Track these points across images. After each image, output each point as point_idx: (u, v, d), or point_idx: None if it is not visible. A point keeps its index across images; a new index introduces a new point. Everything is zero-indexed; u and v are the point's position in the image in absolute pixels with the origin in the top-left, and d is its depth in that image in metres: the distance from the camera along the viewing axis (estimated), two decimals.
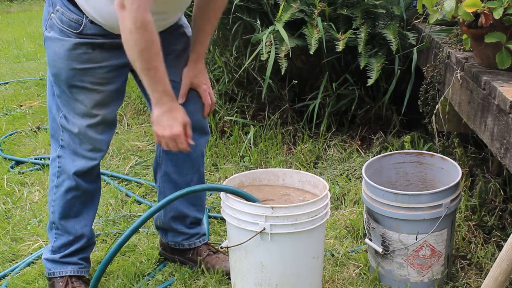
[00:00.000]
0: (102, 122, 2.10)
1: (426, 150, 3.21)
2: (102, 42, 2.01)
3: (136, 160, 3.57)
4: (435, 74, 2.81)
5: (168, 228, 2.44)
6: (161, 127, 2.00)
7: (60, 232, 2.24)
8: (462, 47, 2.60)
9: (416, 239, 2.15)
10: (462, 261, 2.38)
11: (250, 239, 2.00)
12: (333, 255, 2.48)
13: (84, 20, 1.99)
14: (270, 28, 3.24)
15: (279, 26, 3.17)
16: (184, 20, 2.27)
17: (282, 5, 3.22)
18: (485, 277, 1.70)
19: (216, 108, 3.76)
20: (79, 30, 2.00)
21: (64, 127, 2.12)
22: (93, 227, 2.74)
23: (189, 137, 2.05)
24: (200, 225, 2.47)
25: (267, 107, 3.68)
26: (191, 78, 2.20)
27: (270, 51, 3.19)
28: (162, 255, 2.51)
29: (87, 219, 2.26)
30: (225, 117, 3.70)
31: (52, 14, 2.03)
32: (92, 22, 2.00)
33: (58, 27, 2.01)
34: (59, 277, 2.25)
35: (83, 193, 2.20)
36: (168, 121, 1.99)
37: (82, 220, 2.24)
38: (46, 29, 2.07)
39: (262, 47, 3.21)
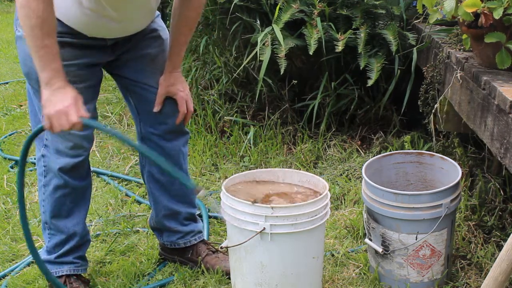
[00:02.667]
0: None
1: (426, 150, 3.21)
2: (71, 41, 2.01)
3: (136, 160, 3.57)
4: (435, 74, 2.81)
5: (162, 228, 2.44)
6: (52, 105, 1.84)
7: (53, 231, 2.24)
8: (462, 47, 2.60)
9: (416, 239, 2.15)
10: (462, 261, 2.38)
11: (250, 239, 2.00)
12: (333, 255, 2.48)
13: None
14: (268, 29, 3.24)
15: (276, 28, 3.17)
16: (160, 23, 2.26)
17: (279, 6, 3.22)
18: (485, 277, 1.70)
19: (216, 108, 3.76)
20: None
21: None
22: (93, 227, 2.76)
23: (80, 112, 1.86)
24: (195, 222, 2.47)
25: (267, 107, 3.68)
26: (166, 87, 2.21)
27: (266, 53, 3.19)
28: (162, 256, 2.51)
29: (79, 217, 2.25)
30: (225, 117, 3.70)
31: None
32: (60, 20, 1.98)
33: None
34: (57, 277, 2.25)
35: (72, 190, 2.19)
36: (58, 97, 1.84)
37: (74, 218, 2.23)
38: (16, 29, 2.07)
39: (259, 47, 3.21)
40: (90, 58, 2.08)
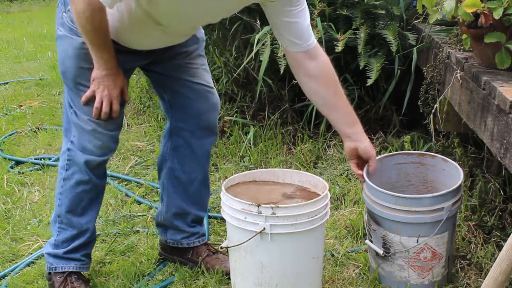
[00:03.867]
0: (111, 119, 2.11)
1: (426, 150, 3.21)
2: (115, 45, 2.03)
3: (136, 160, 3.57)
4: (435, 74, 2.81)
5: (168, 225, 2.44)
6: (102, 86, 2.03)
7: (65, 226, 2.24)
8: (462, 47, 2.60)
9: (417, 242, 2.14)
10: (462, 261, 2.38)
11: (250, 239, 2.00)
12: (333, 255, 2.48)
13: None
14: (267, 28, 3.24)
15: None
16: None
17: None
18: (485, 277, 1.70)
19: None
20: None
21: (75, 123, 2.13)
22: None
23: (126, 96, 2.11)
24: (201, 224, 2.48)
25: (267, 107, 3.68)
26: (369, 148, 2.11)
27: (266, 51, 3.19)
28: (162, 255, 2.51)
29: (93, 214, 2.26)
30: (225, 117, 3.70)
31: (64, 13, 2.05)
32: None
33: (68, 25, 2.04)
34: (59, 273, 2.25)
35: (93, 187, 2.20)
36: (108, 82, 2.02)
37: (88, 215, 2.24)
38: (58, 28, 2.10)
39: (258, 48, 3.21)
40: (126, 63, 2.10)
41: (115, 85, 2.04)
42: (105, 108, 2.05)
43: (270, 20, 2.00)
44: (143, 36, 2.03)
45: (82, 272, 2.30)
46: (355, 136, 2.09)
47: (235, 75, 3.64)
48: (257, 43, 3.24)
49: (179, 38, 2.16)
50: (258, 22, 3.44)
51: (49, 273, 2.28)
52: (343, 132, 2.11)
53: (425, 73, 2.90)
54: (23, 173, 3.46)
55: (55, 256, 2.26)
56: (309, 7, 3.23)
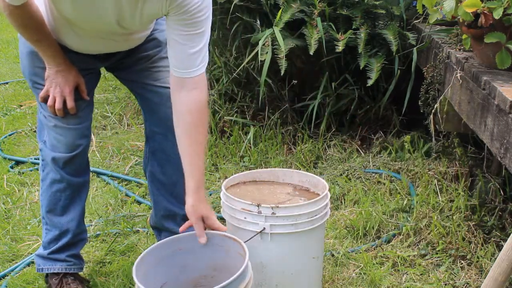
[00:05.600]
0: (72, 115, 2.10)
1: (426, 150, 3.21)
2: (61, 44, 2.03)
3: (136, 160, 3.57)
4: (435, 74, 2.81)
5: (161, 228, 2.43)
6: (54, 83, 2.04)
7: (49, 226, 2.23)
8: (462, 47, 2.61)
9: None
10: (462, 261, 2.39)
11: (250, 239, 2.00)
12: (333, 255, 2.48)
13: None
14: (269, 31, 3.24)
15: (276, 30, 3.16)
16: (156, 26, 2.20)
17: (281, 9, 3.22)
18: (485, 277, 1.70)
19: (216, 108, 3.76)
20: None
21: (44, 122, 2.15)
22: (93, 227, 2.76)
23: (83, 92, 2.09)
24: None
25: (267, 107, 3.68)
26: (201, 211, 1.94)
27: (267, 52, 3.18)
28: None
29: (74, 213, 2.23)
30: (225, 117, 3.70)
31: None
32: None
33: None
34: (55, 275, 2.24)
35: (68, 186, 2.18)
36: (59, 79, 2.04)
37: (68, 215, 2.21)
38: None
39: (260, 49, 3.21)
40: (78, 63, 2.08)
41: (67, 81, 2.04)
42: (57, 105, 2.04)
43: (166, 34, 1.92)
44: (76, 38, 2.01)
45: (79, 273, 2.30)
46: (187, 190, 1.93)
47: (235, 74, 3.65)
48: (259, 45, 3.24)
49: (122, 44, 2.11)
50: (258, 22, 3.44)
51: (46, 275, 2.28)
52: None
53: (425, 73, 2.90)
54: (23, 173, 3.46)
55: (42, 257, 2.26)
56: (309, 7, 3.28)
